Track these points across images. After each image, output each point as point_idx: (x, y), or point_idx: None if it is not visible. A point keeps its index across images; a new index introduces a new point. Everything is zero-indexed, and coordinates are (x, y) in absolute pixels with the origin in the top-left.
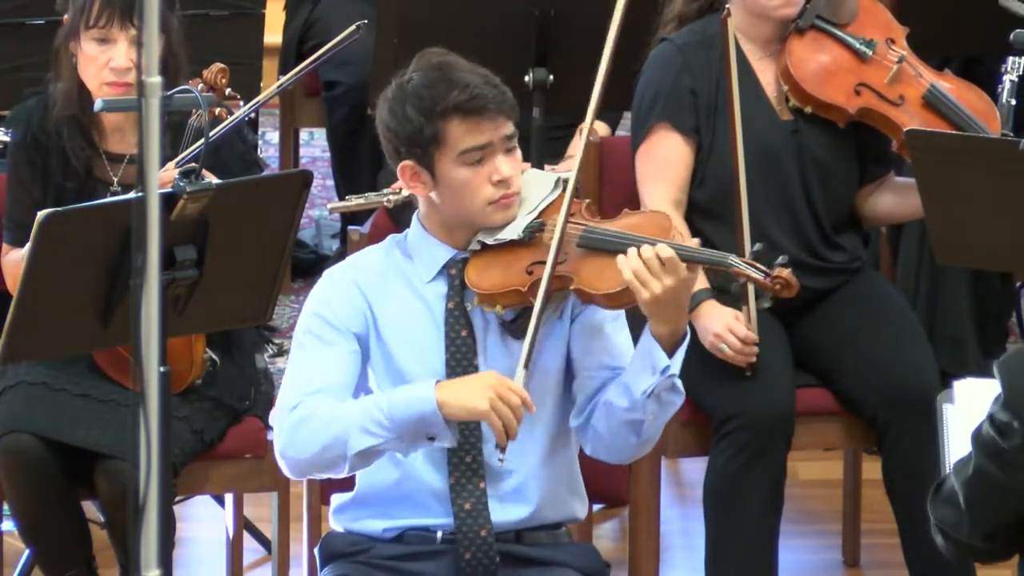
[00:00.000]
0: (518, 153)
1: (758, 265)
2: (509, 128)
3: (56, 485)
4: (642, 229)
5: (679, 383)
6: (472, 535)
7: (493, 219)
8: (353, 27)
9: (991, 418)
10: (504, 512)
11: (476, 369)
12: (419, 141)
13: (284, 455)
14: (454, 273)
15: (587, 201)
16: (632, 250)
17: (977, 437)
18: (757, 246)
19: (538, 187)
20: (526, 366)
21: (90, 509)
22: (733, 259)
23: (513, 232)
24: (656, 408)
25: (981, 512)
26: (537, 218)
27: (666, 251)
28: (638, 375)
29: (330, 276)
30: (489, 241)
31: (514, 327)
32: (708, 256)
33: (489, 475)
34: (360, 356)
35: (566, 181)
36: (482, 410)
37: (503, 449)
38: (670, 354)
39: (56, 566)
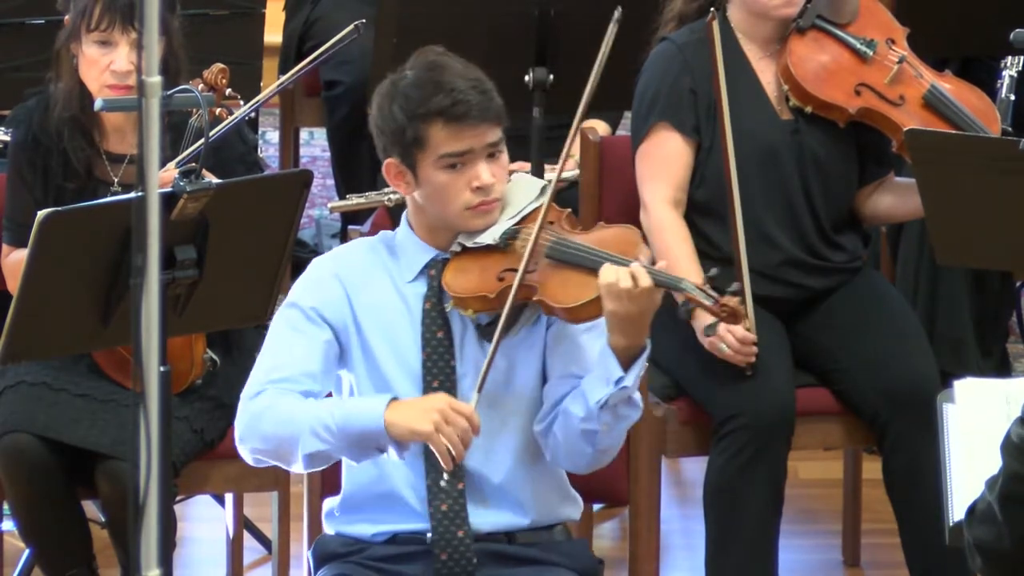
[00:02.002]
0: (503, 159)
1: (708, 291)
2: (493, 136)
3: (56, 485)
4: (610, 244)
5: (637, 397)
6: (449, 536)
7: (471, 224)
8: (351, 27)
9: (1021, 420)
10: (491, 517)
11: (452, 370)
12: (402, 141)
13: (242, 442)
14: (433, 274)
15: (567, 211)
16: (610, 267)
17: (1006, 446)
18: (713, 271)
19: (523, 192)
20: (479, 390)
21: (90, 509)
22: (686, 283)
23: (490, 237)
24: (610, 419)
25: (1019, 519)
26: (516, 225)
27: (644, 278)
28: (594, 385)
29: (313, 267)
30: (468, 244)
31: (488, 331)
32: (665, 279)
33: (471, 480)
34: (333, 347)
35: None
36: (425, 432)
37: (447, 472)
38: (627, 366)
39: (56, 566)
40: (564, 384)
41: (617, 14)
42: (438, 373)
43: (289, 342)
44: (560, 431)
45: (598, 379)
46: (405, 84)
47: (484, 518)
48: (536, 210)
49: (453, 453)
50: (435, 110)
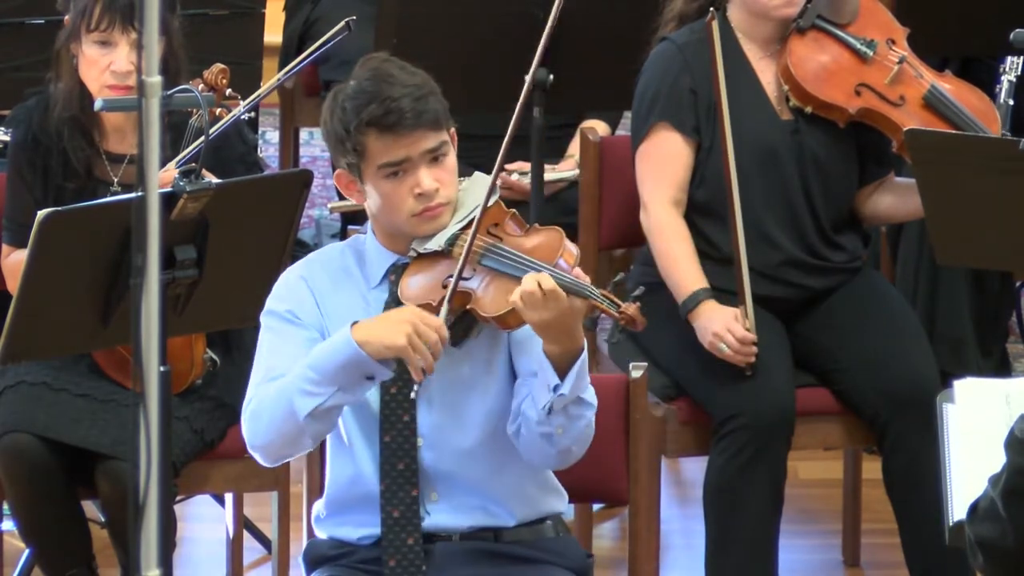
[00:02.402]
0: (448, 162)
1: (612, 297)
2: (431, 141)
3: (56, 485)
4: (535, 250)
5: (589, 396)
6: (399, 543)
7: (420, 230)
8: (343, 23)
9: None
10: (472, 518)
11: (409, 376)
12: (344, 152)
13: (253, 448)
14: (393, 279)
15: (512, 211)
16: (528, 276)
17: (1011, 442)
18: (619, 276)
19: (476, 194)
20: (450, 301)
21: (90, 509)
22: (591, 290)
23: (436, 243)
24: (564, 421)
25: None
26: (461, 229)
27: (548, 282)
28: (539, 391)
29: (284, 275)
30: (420, 250)
31: (450, 334)
32: (572, 285)
33: (446, 484)
34: (317, 342)
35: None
36: (400, 345)
37: (419, 383)
38: (565, 371)
39: (56, 566)
40: (526, 384)
41: None
42: (396, 379)
43: (276, 346)
44: (525, 432)
45: (541, 385)
46: (344, 95)
47: (464, 519)
48: (495, 209)
49: (423, 364)
50: (367, 120)
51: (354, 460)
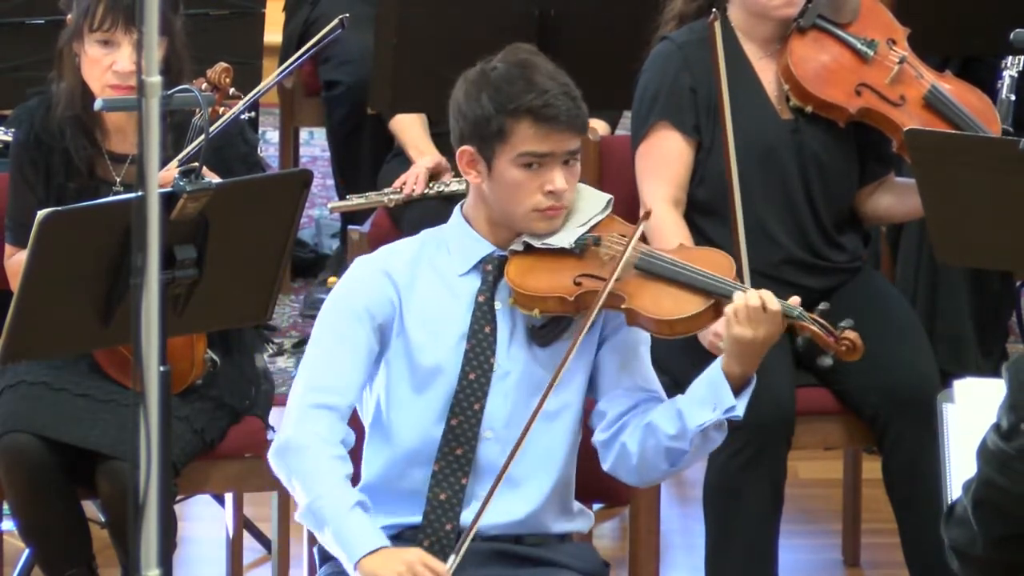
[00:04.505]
0: (577, 169)
1: (824, 322)
2: (574, 144)
3: (56, 485)
4: (705, 265)
5: (725, 423)
6: (438, 526)
7: (535, 227)
8: (336, 21)
9: (996, 427)
10: (504, 520)
11: (491, 366)
12: (485, 131)
13: (275, 456)
14: (490, 269)
15: (638, 226)
16: (740, 293)
17: (982, 451)
18: (823, 305)
19: (589, 202)
20: (458, 553)
21: (90, 509)
22: (801, 312)
23: (564, 241)
24: (700, 442)
25: (991, 524)
26: (589, 232)
27: (773, 303)
28: (697, 407)
29: (358, 266)
30: (537, 244)
31: (541, 334)
32: (787, 309)
33: (513, 480)
34: (374, 351)
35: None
36: None
37: None
38: (737, 393)
39: (56, 566)
40: (631, 396)
41: None
42: (476, 367)
43: (332, 352)
44: (635, 444)
45: (700, 402)
46: (497, 75)
47: (497, 521)
48: (603, 221)
49: None
50: (525, 107)
51: (401, 448)
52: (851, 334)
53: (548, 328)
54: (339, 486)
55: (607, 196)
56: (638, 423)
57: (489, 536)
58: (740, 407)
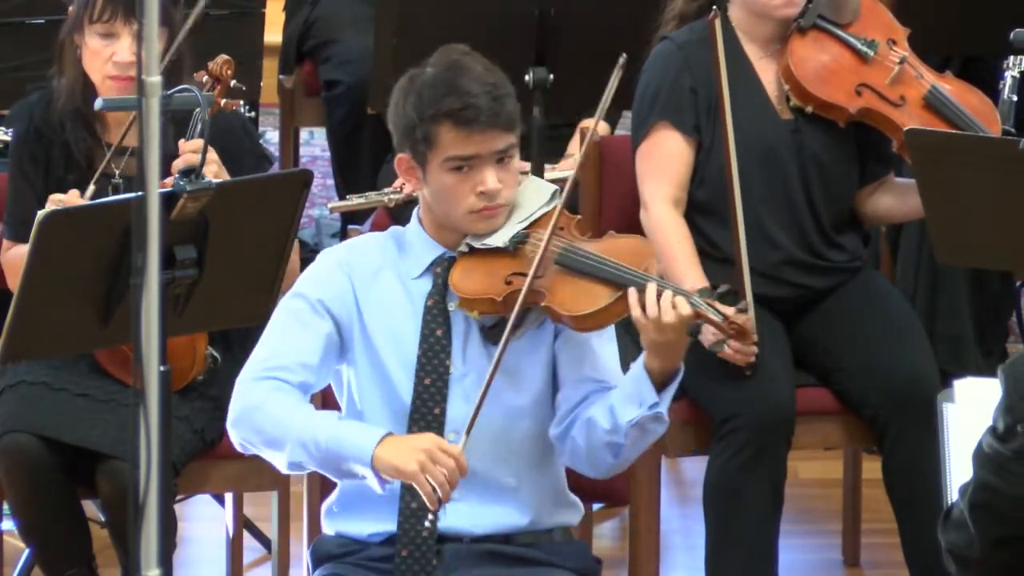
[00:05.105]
0: (513, 165)
1: (718, 306)
2: (502, 142)
3: (56, 485)
4: (624, 256)
5: (665, 414)
6: (413, 534)
7: (475, 228)
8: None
9: (991, 429)
10: (494, 517)
11: (446, 369)
12: (413, 138)
13: (234, 427)
14: (439, 272)
15: (578, 217)
16: (651, 294)
17: (978, 455)
18: (722, 288)
19: (534, 196)
20: (468, 432)
21: (90, 508)
22: (696, 300)
23: (499, 240)
24: (637, 435)
25: (988, 526)
26: (525, 229)
27: (685, 308)
28: (625, 403)
29: (322, 258)
30: (476, 245)
31: (492, 333)
32: (679, 292)
33: (480, 482)
34: (334, 341)
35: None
36: (410, 471)
37: (434, 513)
38: (661, 388)
39: (56, 566)
40: (580, 388)
41: (622, 60)
42: (431, 371)
43: (291, 332)
44: (582, 438)
45: (629, 398)
46: (421, 81)
47: (480, 522)
48: (546, 215)
49: (439, 494)
50: (444, 111)
51: None
52: (740, 318)
53: (499, 327)
54: (313, 414)
55: (552, 188)
56: (585, 416)
57: (479, 537)
58: (664, 402)
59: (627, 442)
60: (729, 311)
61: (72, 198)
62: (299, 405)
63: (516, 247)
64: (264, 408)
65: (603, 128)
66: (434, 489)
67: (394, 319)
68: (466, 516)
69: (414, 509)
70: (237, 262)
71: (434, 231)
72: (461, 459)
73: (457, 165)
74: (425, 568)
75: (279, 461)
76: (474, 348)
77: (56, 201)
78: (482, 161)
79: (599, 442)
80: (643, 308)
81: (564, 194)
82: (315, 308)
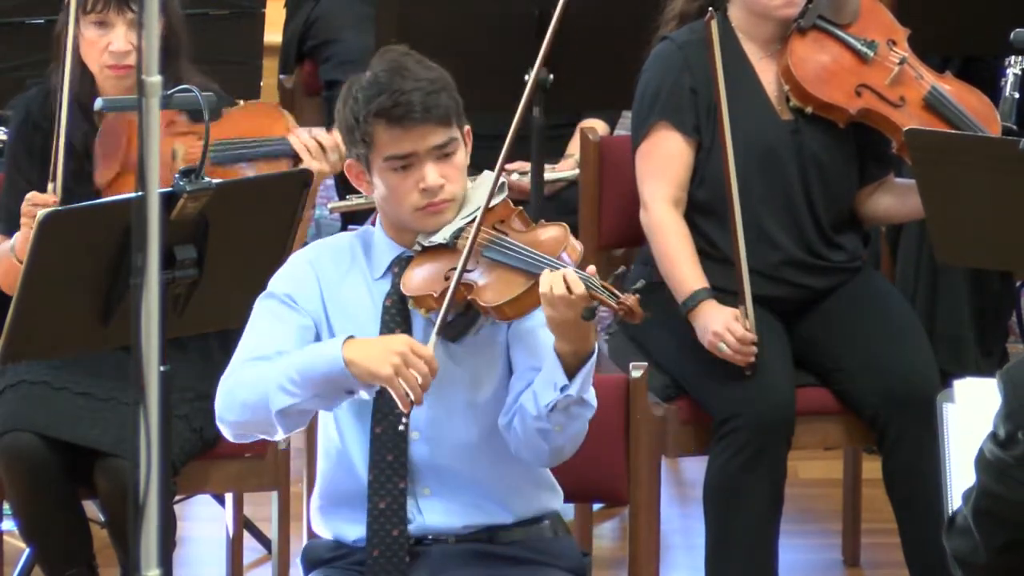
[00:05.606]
0: (456, 159)
1: (612, 289)
2: (438, 137)
3: (56, 484)
4: (540, 244)
5: (590, 396)
6: (383, 534)
7: (423, 224)
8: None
9: (992, 436)
10: (468, 515)
11: None
12: (354, 141)
13: (221, 420)
14: (396, 272)
15: (519, 209)
16: (547, 274)
17: (979, 460)
18: (620, 270)
19: (479, 191)
20: (439, 333)
21: (90, 508)
22: (591, 281)
23: (442, 236)
24: (563, 420)
25: (992, 532)
26: (467, 223)
27: (578, 286)
28: (543, 388)
29: (291, 259)
30: (424, 244)
31: (450, 330)
32: (592, 284)
33: (441, 479)
34: (310, 333)
35: (505, 185)
36: (384, 375)
37: (406, 415)
38: (575, 371)
39: (56, 565)
40: (524, 378)
41: None
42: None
43: (267, 327)
44: (519, 426)
45: (546, 382)
46: (358, 85)
47: (459, 517)
48: (500, 206)
49: (412, 396)
50: (376, 111)
51: (347, 454)
52: (630, 299)
53: (455, 323)
54: (278, 359)
55: (502, 180)
56: (519, 404)
57: (463, 536)
58: (574, 386)
59: (553, 427)
60: (623, 295)
61: (48, 198)
62: (268, 362)
63: (454, 243)
64: (239, 382)
65: (602, 128)
66: (407, 393)
67: (357, 320)
68: (442, 514)
69: (382, 509)
70: (237, 262)
71: (392, 232)
72: (433, 361)
73: (395, 165)
74: (399, 567)
75: (273, 425)
76: (436, 347)
77: (32, 201)
78: (420, 158)
79: (530, 429)
80: (544, 297)
81: (491, 191)
82: (288, 304)
